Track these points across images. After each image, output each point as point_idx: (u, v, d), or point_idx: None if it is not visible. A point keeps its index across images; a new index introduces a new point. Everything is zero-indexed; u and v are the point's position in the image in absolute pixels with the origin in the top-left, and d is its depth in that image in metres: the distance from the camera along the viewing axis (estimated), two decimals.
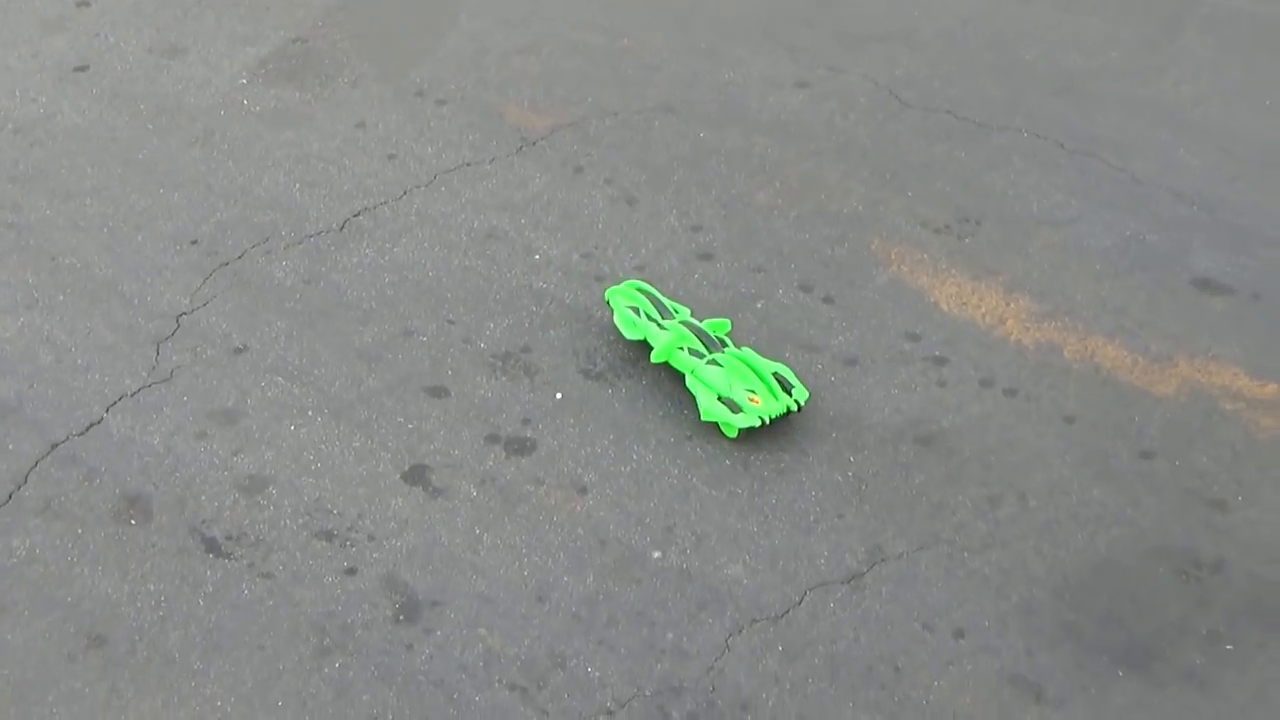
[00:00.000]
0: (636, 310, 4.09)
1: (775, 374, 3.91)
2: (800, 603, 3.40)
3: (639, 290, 4.17)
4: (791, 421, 3.86)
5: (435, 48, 5.51)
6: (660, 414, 3.92)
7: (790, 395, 3.86)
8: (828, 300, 4.28)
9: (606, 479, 3.73)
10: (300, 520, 3.61)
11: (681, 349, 3.97)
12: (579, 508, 3.64)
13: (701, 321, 4.10)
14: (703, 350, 3.97)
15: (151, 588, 3.44)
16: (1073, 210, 4.63)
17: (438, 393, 3.98)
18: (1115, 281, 4.34)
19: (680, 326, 4.01)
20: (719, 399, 3.84)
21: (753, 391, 3.87)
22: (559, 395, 3.96)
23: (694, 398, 3.93)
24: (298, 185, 4.78)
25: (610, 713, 3.16)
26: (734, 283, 4.36)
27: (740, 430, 3.81)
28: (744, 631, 3.34)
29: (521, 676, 3.24)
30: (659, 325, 4.04)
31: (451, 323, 4.21)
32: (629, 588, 3.45)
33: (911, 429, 3.87)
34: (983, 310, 4.24)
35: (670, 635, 3.33)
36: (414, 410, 3.92)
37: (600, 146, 4.95)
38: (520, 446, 3.81)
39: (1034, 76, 5.32)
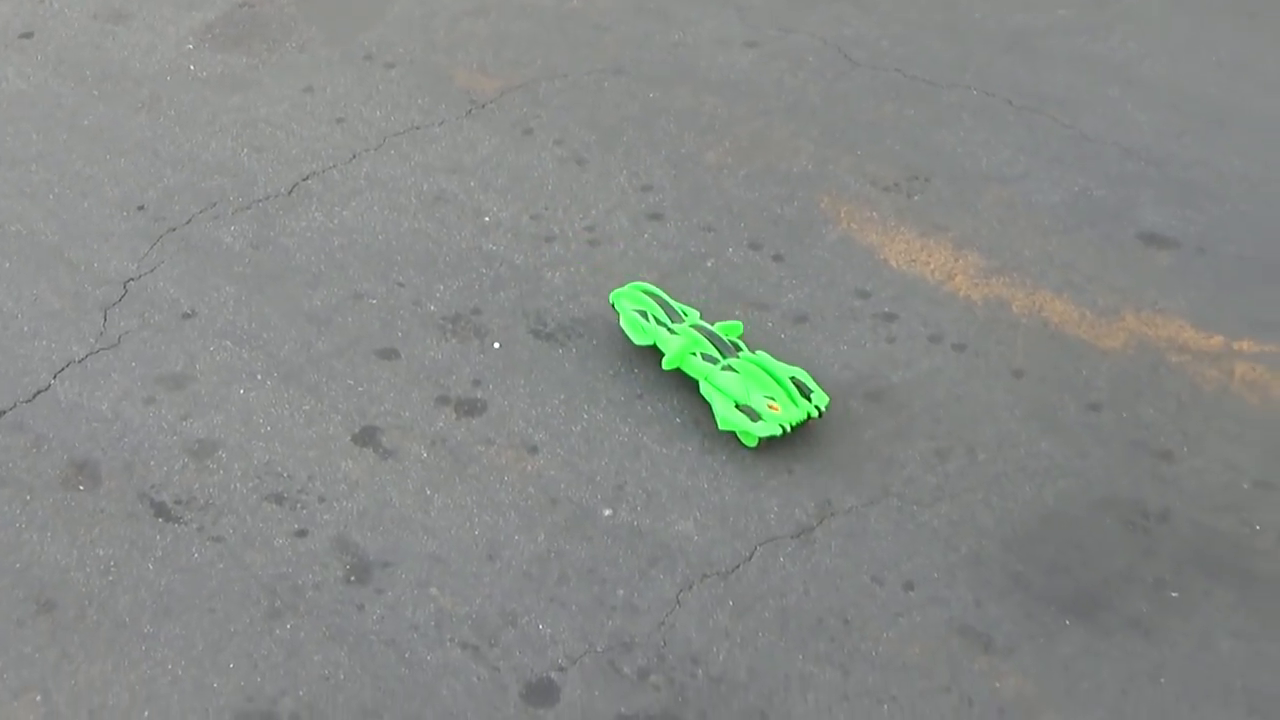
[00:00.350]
0: (644, 314, 3.93)
1: (793, 378, 3.75)
2: (750, 558, 3.42)
3: (645, 292, 4.01)
4: None
5: (383, 11, 5.48)
6: (611, 373, 3.92)
7: (810, 400, 3.70)
8: (777, 258, 4.29)
9: (557, 438, 3.73)
10: (250, 483, 3.60)
11: (694, 354, 3.82)
12: (530, 467, 3.65)
13: (713, 325, 3.94)
14: (716, 355, 3.82)
15: (100, 553, 3.43)
16: (1021, 167, 4.65)
17: (388, 355, 3.97)
18: (1063, 237, 4.36)
19: (692, 331, 3.87)
20: (736, 406, 3.68)
21: (771, 398, 3.71)
22: (497, 345, 3.96)
23: (709, 405, 3.78)
24: (245, 150, 4.75)
25: (562, 669, 3.17)
26: (684, 242, 4.36)
27: (760, 439, 3.67)
28: (694, 587, 3.35)
29: (473, 635, 3.25)
30: (669, 329, 3.89)
31: (401, 285, 4.20)
32: (580, 545, 3.45)
33: (861, 384, 3.89)
34: (932, 267, 4.25)
35: (621, 592, 3.34)
36: (364, 373, 3.91)
37: (550, 108, 4.94)
38: (471, 407, 3.81)
39: (983, 35, 5.33)
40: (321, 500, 3.56)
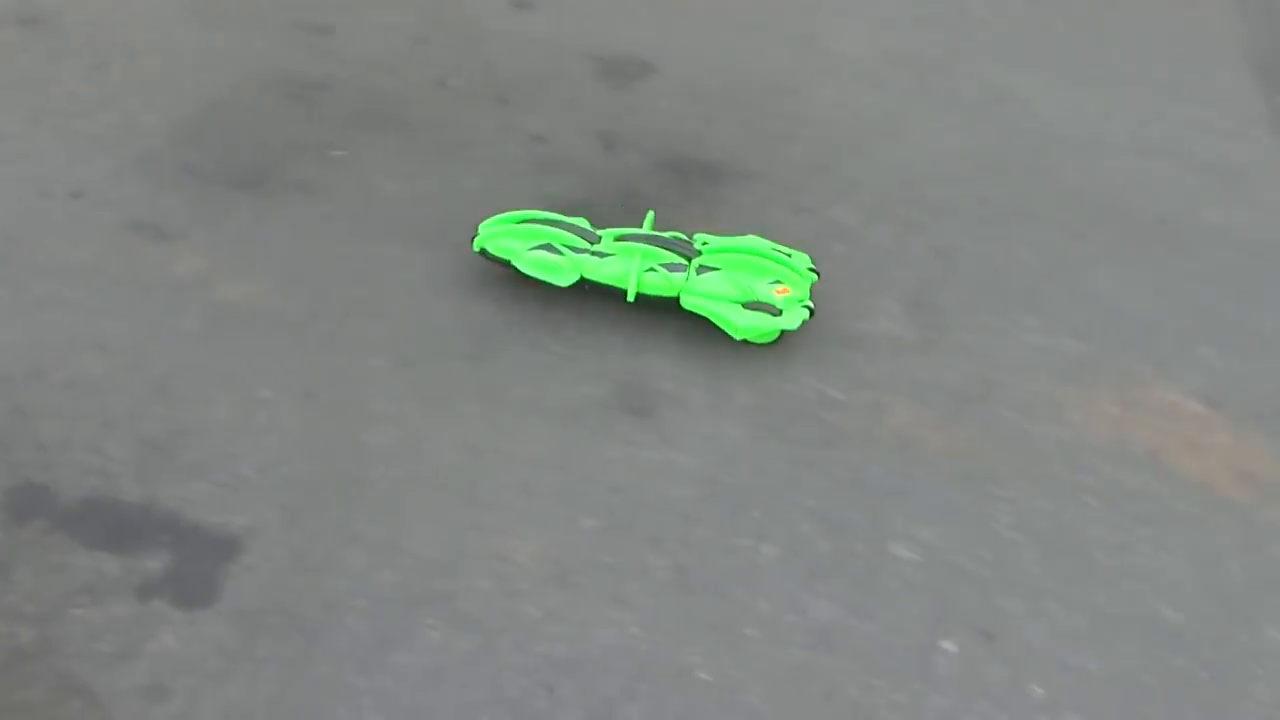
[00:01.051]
0: (550, 247, 3.02)
1: (773, 248, 3.06)
2: None
3: (525, 221, 3.08)
4: None
5: None
6: None
7: (791, 259, 3.05)
8: None
9: None
10: None
11: (652, 269, 2.98)
12: None
13: (641, 226, 3.15)
14: (677, 259, 3.00)
15: None
16: None
17: None
18: None
19: (632, 245, 3.00)
20: (744, 306, 2.96)
21: (776, 280, 3.01)
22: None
23: (708, 320, 3.02)
24: None
25: None
26: None
27: (783, 331, 3.00)
28: None
29: None
30: (594, 254, 3.01)
31: None
32: None
33: (14, 12, 3.73)
34: None
35: None
36: None
37: None
38: None
39: None
40: None
